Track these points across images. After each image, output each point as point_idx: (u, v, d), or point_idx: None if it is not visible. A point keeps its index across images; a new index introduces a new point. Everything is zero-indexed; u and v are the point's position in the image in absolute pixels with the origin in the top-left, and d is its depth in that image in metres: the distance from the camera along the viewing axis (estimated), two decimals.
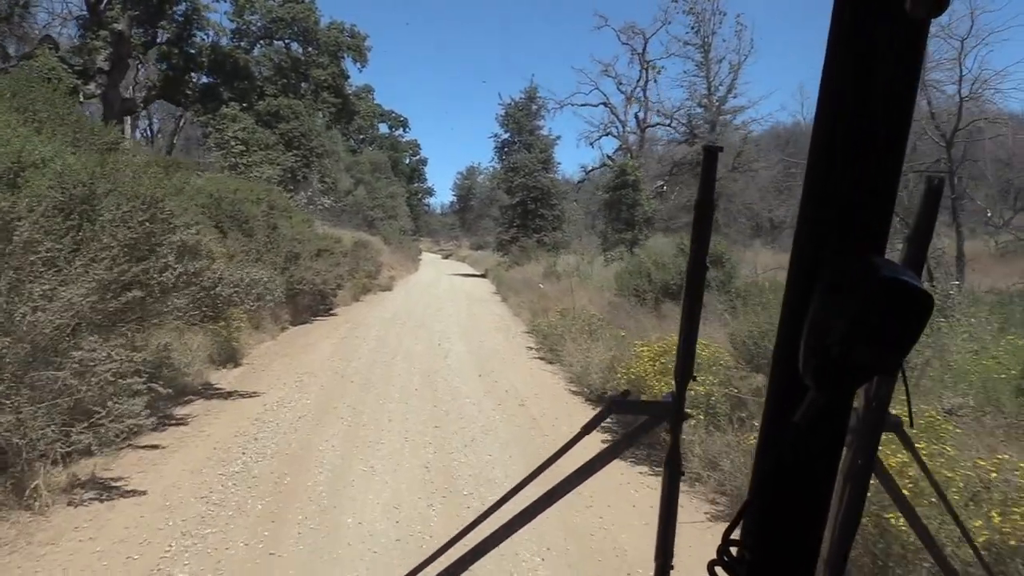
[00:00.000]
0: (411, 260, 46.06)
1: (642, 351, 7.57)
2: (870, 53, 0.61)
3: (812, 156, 0.64)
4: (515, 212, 36.29)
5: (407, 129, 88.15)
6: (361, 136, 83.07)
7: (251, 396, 8.94)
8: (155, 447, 6.82)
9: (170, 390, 6.91)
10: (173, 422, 7.69)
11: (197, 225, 7.86)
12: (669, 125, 45.78)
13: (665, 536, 0.82)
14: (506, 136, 37.86)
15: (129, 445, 6.87)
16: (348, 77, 36.14)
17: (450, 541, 0.88)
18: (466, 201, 73.80)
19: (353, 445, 7.06)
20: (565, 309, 13.74)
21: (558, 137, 40.52)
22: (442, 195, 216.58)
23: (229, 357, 10.92)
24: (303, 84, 33.12)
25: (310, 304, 16.93)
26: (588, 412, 8.62)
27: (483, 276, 37.48)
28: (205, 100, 30.35)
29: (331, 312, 18.16)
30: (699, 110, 25.59)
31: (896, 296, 0.57)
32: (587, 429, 0.85)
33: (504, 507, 0.85)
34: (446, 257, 69.05)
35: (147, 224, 6.38)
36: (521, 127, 36.83)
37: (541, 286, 19.51)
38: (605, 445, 0.87)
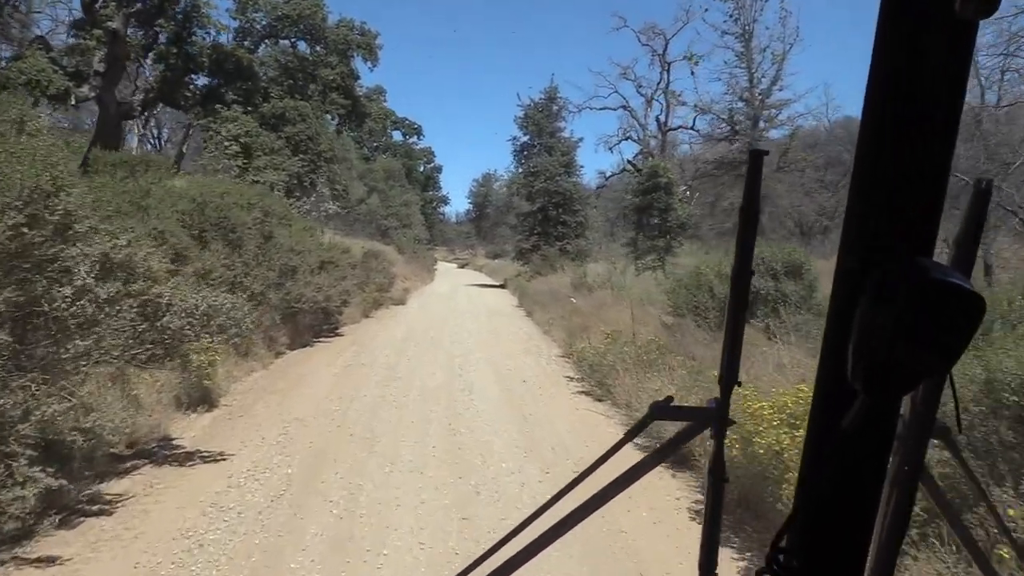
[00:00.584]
0: (426, 270, 43.90)
1: (760, 409, 5.21)
2: (918, 56, 0.60)
3: (859, 157, 0.64)
4: (535, 219, 34.00)
5: (421, 136, 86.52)
6: (375, 143, 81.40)
7: (216, 460, 6.66)
8: (49, 562, 4.56)
9: (63, 481, 4.66)
10: (96, 508, 5.43)
11: (130, 233, 5.60)
12: (692, 128, 43.40)
13: (709, 547, 0.81)
14: (525, 139, 35.63)
15: (13, 559, 4.64)
16: (358, 78, 34.03)
17: (485, 553, 0.86)
18: (482, 209, 71.64)
19: (343, 556, 4.76)
20: (614, 331, 11.39)
21: (580, 139, 38.32)
22: (457, 203, 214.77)
23: (202, 398, 8.68)
24: (311, 85, 31.03)
25: (312, 323, 14.69)
26: (673, 487, 6.26)
27: (502, 287, 35.20)
28: (207, 102, 28.28)
29: (336, 332, 15.94)
30: (740, 104, 23.26)
31: (946, 298, 0.56)
32: (629, 436, 0.85)
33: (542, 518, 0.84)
34: (462, 267, 66.90)
35: (25, 229, 4.14)
36: (541, 129, 34.54)
37: (573, 300, 17.20)
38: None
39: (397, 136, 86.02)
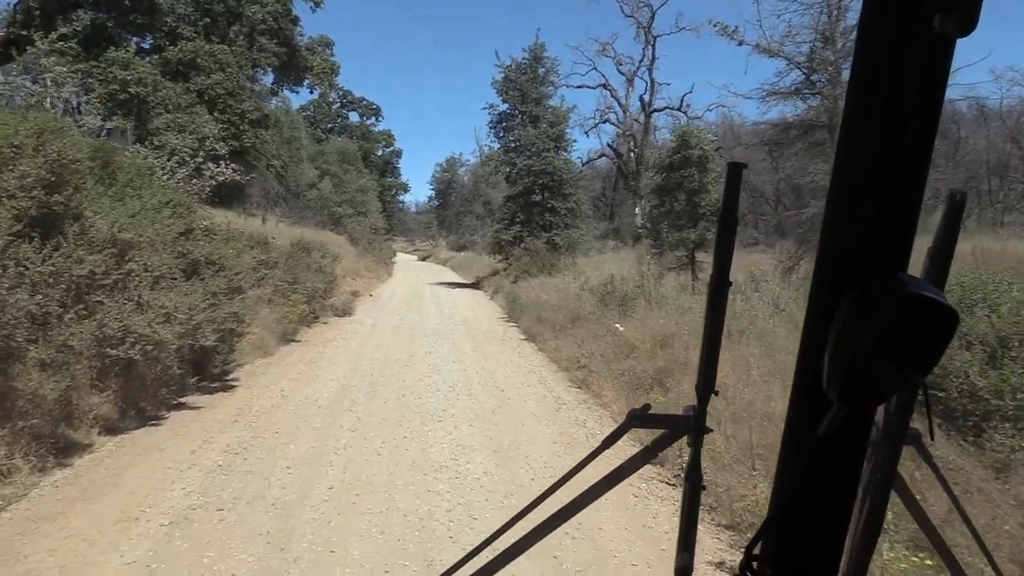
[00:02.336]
0: (383, 264, 36.88)
1: None
2: (897, 71, 0.61)
3: (836, 171, 0.65)
4: (518, 205, 27.38)
5: (380, 118, 79.00)
6: (329, 124, 73.69)
7: None
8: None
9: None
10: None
11: None
12: (679, 108, 36.98)
13: (685, 551, 0.82)
14: (504, 108, 28.86)
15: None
16: (298, 22, 26.87)
17: (473, 551, 0.86)
18: (445, 196, 64.64)
19: None
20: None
21: (572, 108, 31.29)
22: (418, 192, 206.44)
23: None
24: (233, 26, 23.82)
25: (170, 375, 7.89)
26: None
27: (474, 286, 28.48)
28: (90, 44, 21.01)
29: (225, 380, 9.18)
30: (805, 47, 16.88)
31: (921, 312, 0.57)
32: (607, 443, 0.84)
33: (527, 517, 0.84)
34: (423, 259, 59.83)
35: None
36: (525, 95, 27.80)
37: (619, 328, 10.59)
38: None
39: (354, 117, 78.76)
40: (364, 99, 75.88)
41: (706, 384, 0.80)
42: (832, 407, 0.61)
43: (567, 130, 27.89)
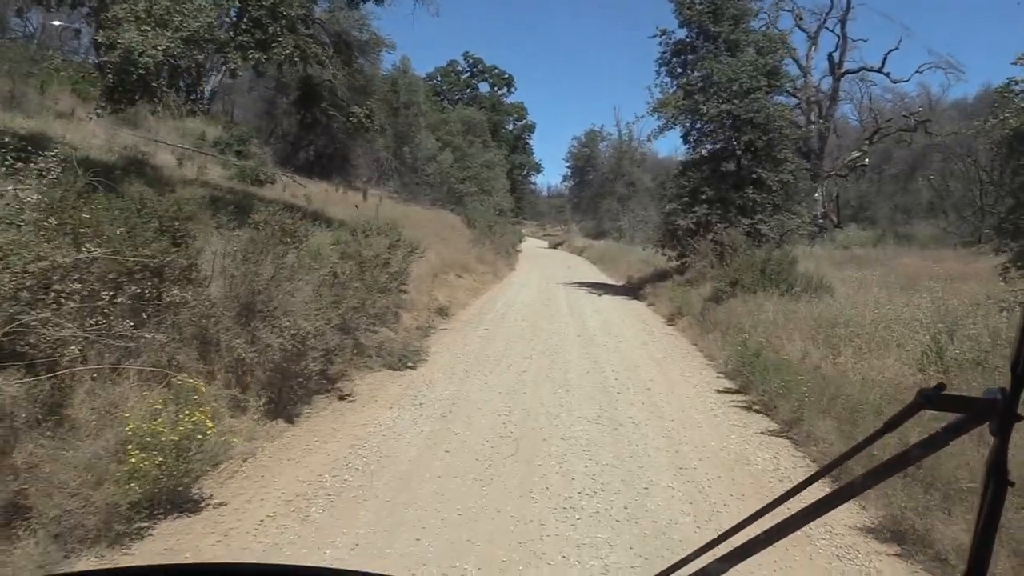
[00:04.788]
0: (505, 253, 28.25)
1: None
2: None
3: None
4: (701, 174, 17.84)
5: (512, 89, 70.71)
6: (457, 96, 66.02)
7: None
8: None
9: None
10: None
11: None
12: (880, 70, 25.54)
13: (980, 554, 0.72)
14: (684, 35, 19.21)
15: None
16: None
17: (724, 535, 0.86)
18: (582, 175, 55.34)
19: None
20: None
21: (790, 32, 20.56)
22: (550, 175, 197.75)
23: None
24: None
25: None
26: None
27: (631, 292, 19.22)
28: None
29: None
30: None
31: None
32: (890, 426, 0.74)
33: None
34: (555, 246, 50.88)
35: None
36: (718, 12, 18.11)
37: None
38: None
39: (484, 88, 70.82)
40: (496, 68, 67.76)
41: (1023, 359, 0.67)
42: None
43: (784, 63, 17.98)
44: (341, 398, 6.77)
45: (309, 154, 33.35)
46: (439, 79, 64.43)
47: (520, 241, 42.61)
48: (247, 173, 21.77)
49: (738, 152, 17.16)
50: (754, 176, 17.04)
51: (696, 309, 12.42)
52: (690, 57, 18.79)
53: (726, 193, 17.29)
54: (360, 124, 19.37)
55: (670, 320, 13.22)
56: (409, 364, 8.32)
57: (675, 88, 18.71)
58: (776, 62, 17.40)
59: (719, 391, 7.87)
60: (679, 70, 18.97)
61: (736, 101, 16.72)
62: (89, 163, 15.69)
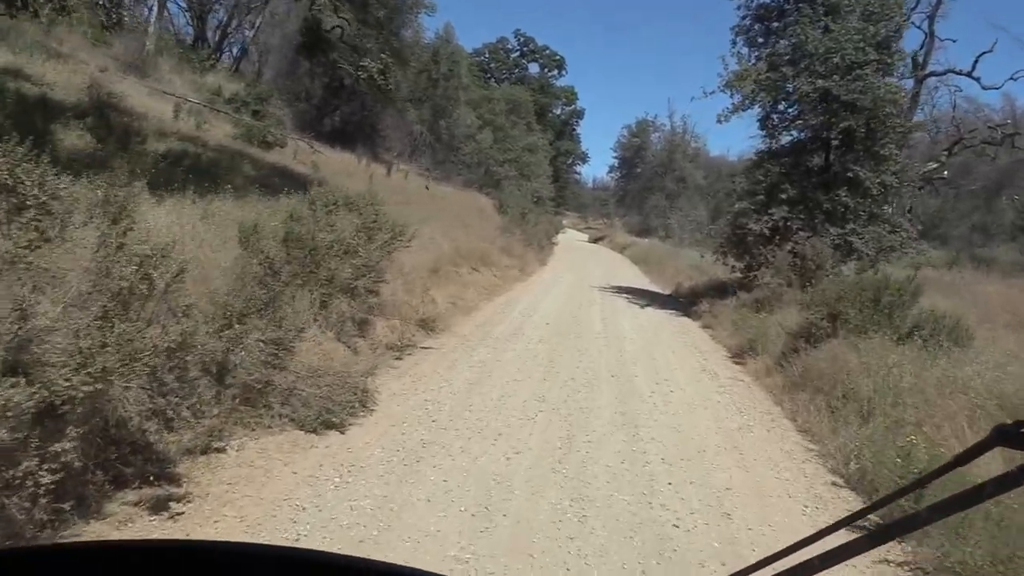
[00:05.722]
0: (537, 246, 24.84)
1: None
2: None
3: None
4: (782, 168, 14.29)
5: (563, 72, 66.79)
6: (504, 75, 62.36)
7: None
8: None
9: None
10: None
11: None
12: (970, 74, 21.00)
13: None
14: None
15: None
16: None
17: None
18: (630, 167, 51.49)
19: None
20: None
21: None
22: (596, 167, 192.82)
23: None
24: None
25: None
26: None
27: (679, 306, 15.78)
28: None
29: None
30: None
31: None
32: (959, 462, 0.72)
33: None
34: (595, 240, 47.28)
35: None
36: None
37: None
38: None
39: (533, 69, 67.03)
40: (547, 48, 63.97)
41: None
42: None
43: (899, 35, 14.26)
44: (160, 504, 3.59)
45: (335, 121, 30.59)
46: (487, 56, 61.00)
47: (558, 232, 39.18)
48: (254, 133, 19.12)
49: (833, 142, 13.54)
50: (849, 175, 13.42)
51: (776, 347, 8.98)
52: (775, 24, 15.14)
53: (812, 193, 13.72)
54: (372, 81, 16.18)
55: (737, 356, 9.79)
56: (335, 421, 5.11)
57: (755, 60, 15.09)
58: (889, 32, 13.68)
59: (858, 531, 4.52)
60: (761, 39, 15.33)
61: (835, 77, 13.11)
62: (44, 103, 12.73)
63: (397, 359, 7.22)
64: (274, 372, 4.99)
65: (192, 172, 10.70)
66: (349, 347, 7.14)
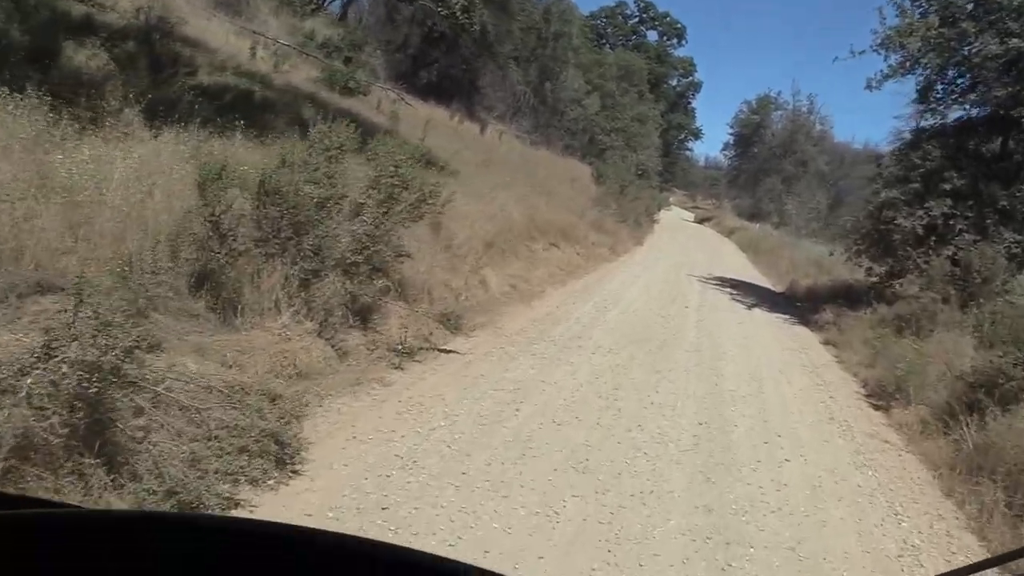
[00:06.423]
0: (634, 222, 22.16)
1: None
2: None
3: None
4: (947, 150, 11.25)
5: (682, 41, 62.40)
6: (621, 41, 58.78)
7: None
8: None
9: None
10: None
11: None
12: None
13: None
14: None
15: None
16: None
17: None
18: (746, 146, 47.41)
19: None
20: None
21: None
22: (709, 146, 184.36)
23: None
24: None
25: None
26: None
27: (794, 311, 13.02)
28: None
29: None
30: None
31: None
32: None
33: None
34: (701, 221, 43.80)
35: None
36: None
37: None
38: None
39: (652, 37, 62.92)
40: (667, 15, 59.84)
41: None
42: None
43: None
44: None
45: (431, 74, 28.88)
46: (603, 20, 57.60)
47: (661, 209, 36.14)
48: (336, 79, 17.62)
49: (1023, 122, 10.41)
50: None
51: (938, 393, 6.36)
52: None
53: (985, 186, 10.66)
54: (454, 18, 14.09)
55: (876, 396, 7.18)
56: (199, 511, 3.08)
57: (921, 14, 11.94)
58: None
59: None
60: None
61: None
62: (89, 22, 11.33)
63: (395, 368, 5.16)
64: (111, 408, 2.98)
65: (231, 109, 9.10)
66: (334, 346, 5.15)
